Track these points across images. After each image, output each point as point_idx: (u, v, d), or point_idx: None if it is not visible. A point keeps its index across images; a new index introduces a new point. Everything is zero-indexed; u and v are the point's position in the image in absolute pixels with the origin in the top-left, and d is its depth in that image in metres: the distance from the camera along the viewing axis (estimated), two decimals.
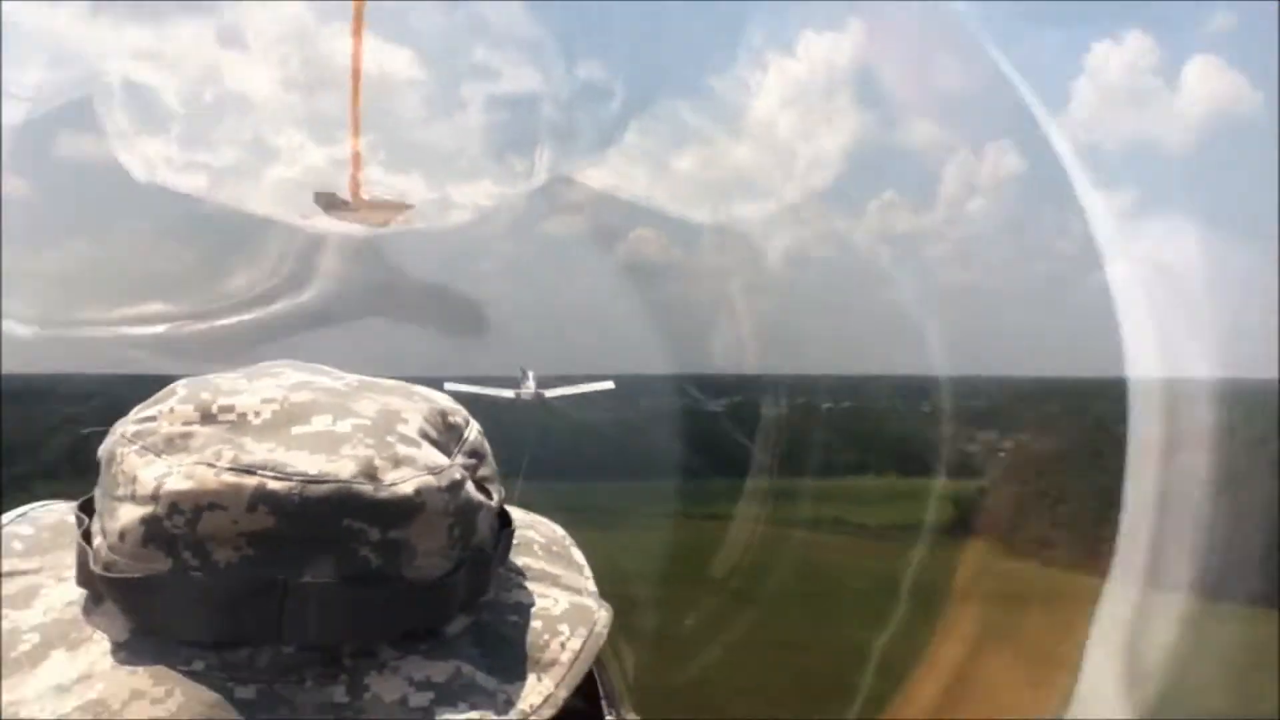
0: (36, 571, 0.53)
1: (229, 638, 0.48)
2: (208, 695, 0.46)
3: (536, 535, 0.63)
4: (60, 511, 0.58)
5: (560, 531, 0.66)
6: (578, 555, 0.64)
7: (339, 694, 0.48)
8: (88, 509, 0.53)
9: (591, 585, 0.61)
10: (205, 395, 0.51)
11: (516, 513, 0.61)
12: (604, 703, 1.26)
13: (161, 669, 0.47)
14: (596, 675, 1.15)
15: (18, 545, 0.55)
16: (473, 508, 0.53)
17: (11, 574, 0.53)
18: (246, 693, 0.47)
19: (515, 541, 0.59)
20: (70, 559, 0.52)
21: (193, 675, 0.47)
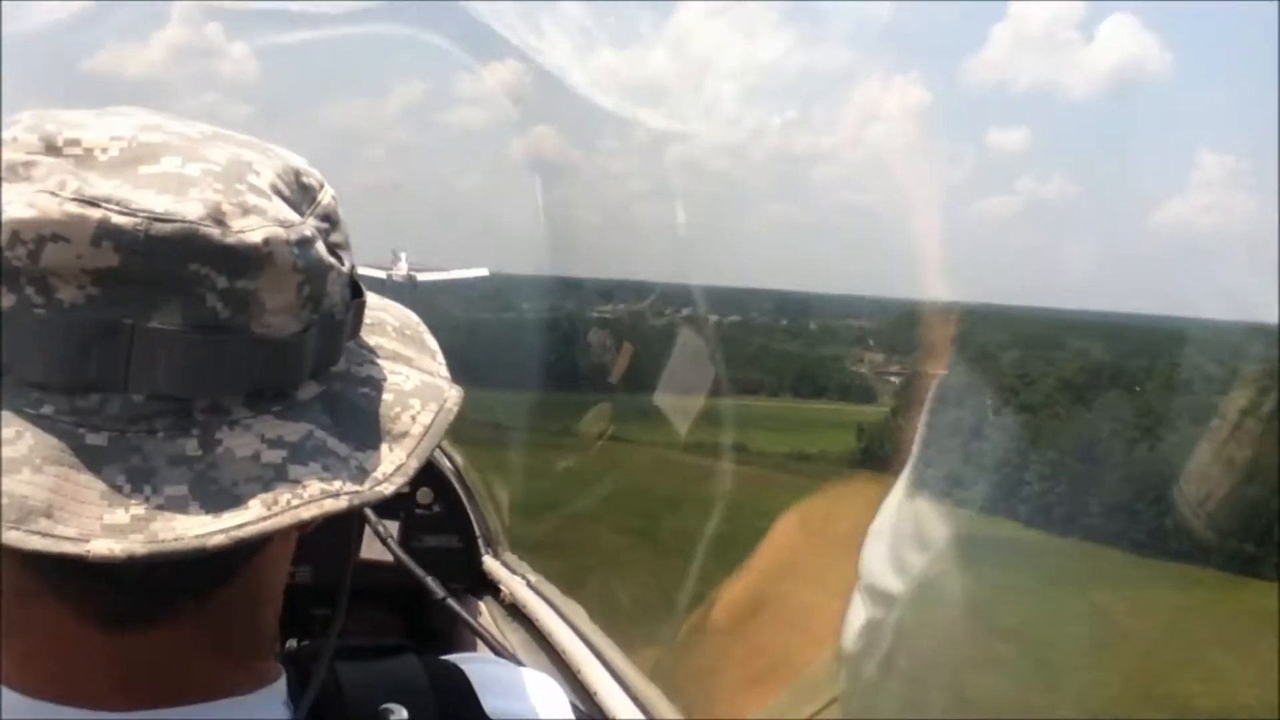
0: None
1: (77, 381, 0.46)
2: (58, 439, 0.45)
3: (389, 317, 0.62)
4: None
5: (414, 317, 0.64)
6: (430, 340, 0.63)
7: (190, 446, 0.46)
8: None
9: (444, 370, 0.60)
10: (50, 127, 0.48)
11: (370, 295, 0.59)
12: (480, 541, 1.89)
13: (10, 413, 0.45)
14: (472, 516, 1.91)
15: None
16: (323, 267, 0.51)
17: None
18: (98, 439, 0.45)
19: (368, 321, 0.59)
20: None
21: (42, 419, 0.45)
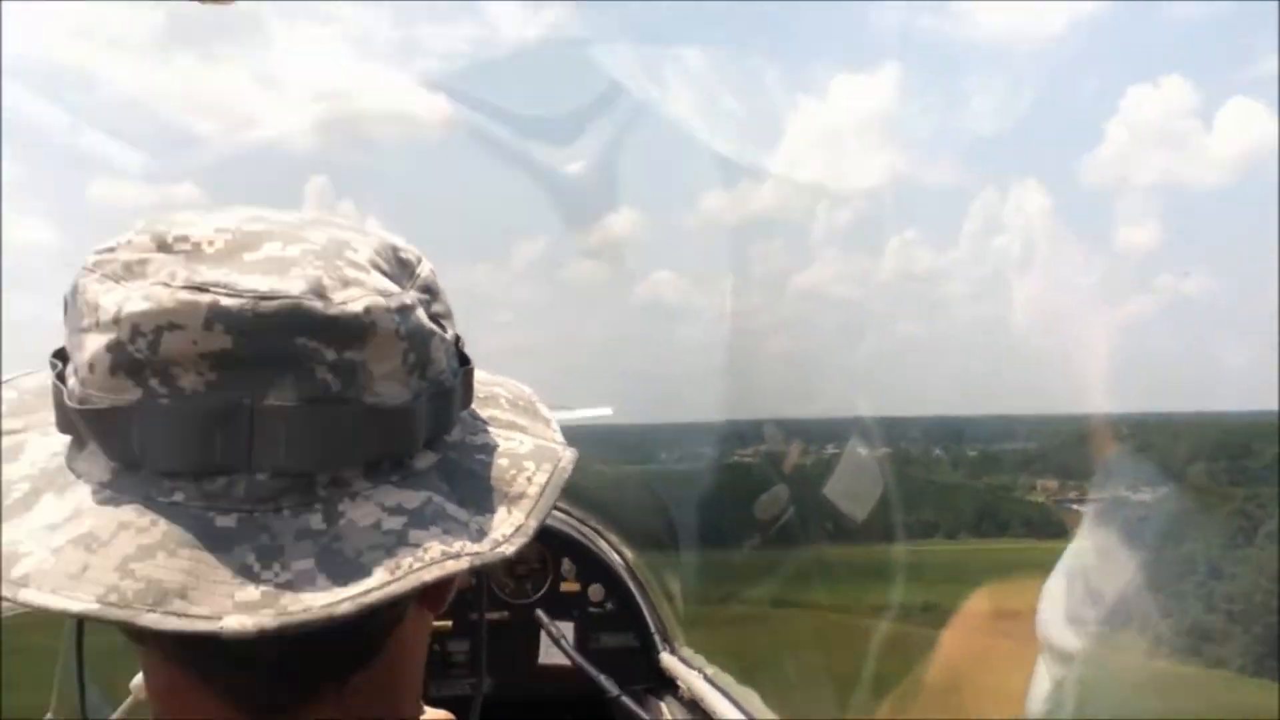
0: (22, 430, 0.54)
1: (202, 465, 0.48)
2: (190, 524, 0.47)
3: (503, 391, 0.64)
4: (42, 377, 0.56)
5: (527, 390, 0.66)
6: (544, 410, 0.65)
7: (315, 520, 0.48)
8: (61, 356, 0.53)
9: (559, 435, 0.61)
10: (161, 227, 0.51)
11: (483, 373, 0.62)
12: (656, 638, 2.30)
13: (144, 502, 0.48)
14: (647, 613, 2.33)
15: (2, 408, 0.56)
16: (426, 333, 0.52)
17: None
18: (227, 521, 0.47)
19: (481, 395, 0.60)
20: (53, 417, 0.52)
21: (174, 506, 0.48)
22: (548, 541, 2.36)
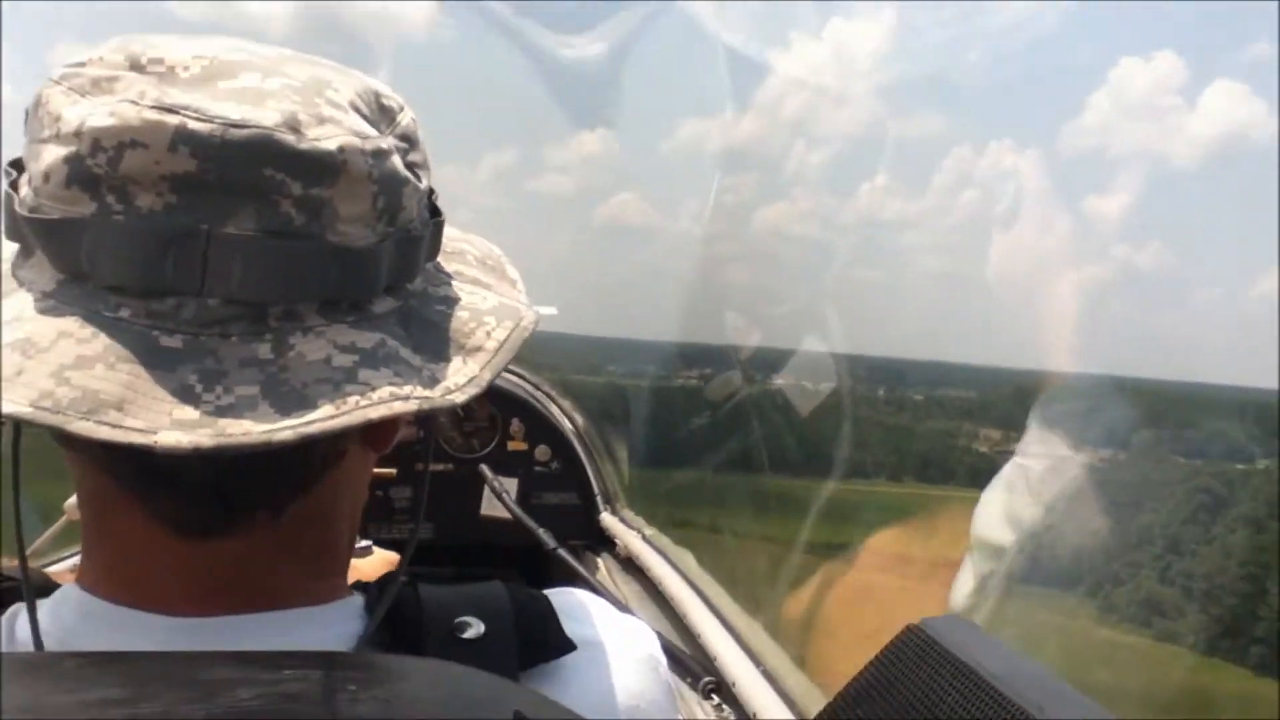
0: None
1: (153, 286, 0.47)
2: (133, 340, 0.46)
3: (471, 249, 0.63)
4: None
5: (496, 250, 0.65)
6: (512, 270, 0.64)
7: (264, 350, 0.47)
8: (17, 165, 0.51)
9: (524, 296, 0.61)
10: (136, 47, 0.50)
11: (452, 229, 0.61)
12: (598, 499, 2.35)
13: (86, 312, 0.47)
14: (591, 475, 2.37)
15: None
16: (399, 180, 0.52)
17: None
18: (172, 341, 0.47)
19: (449, 250, 0.60)
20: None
21: (118, 321, 0.47)
22: (498, 401, 2.41)
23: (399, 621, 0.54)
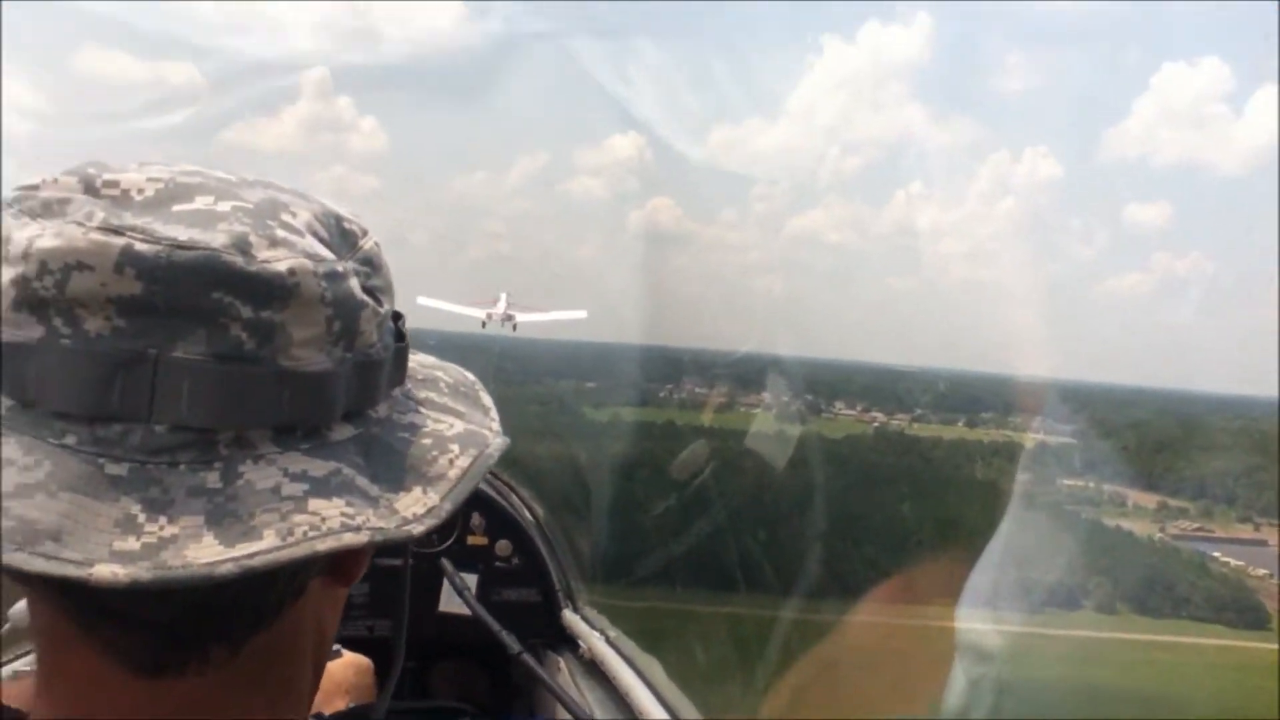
0: None
1: (100, 412, 0.46)
2: (77, 468, 0.45)
3: (444, 375, 0.63)
4: None
5: (471, 376, 0.65)
6: (485, 398, 0.63)
7: (212, 479, 0.47)
8: None
9: (495, 424, 0.60)
10: (91, 170, 0.50)
11: (427, 357, 0.62)
12: (559, 595, 2.19)
13: (31, 439, 0.46)
14: (552, 571, 2.22)
15: None
16: (355, 303, 0.51)
17: None
18: (118, 469, 0.46)
19: (421, 377, 0.60)
20: None
21: (63, 448, 0.46)
22: None
23: None
